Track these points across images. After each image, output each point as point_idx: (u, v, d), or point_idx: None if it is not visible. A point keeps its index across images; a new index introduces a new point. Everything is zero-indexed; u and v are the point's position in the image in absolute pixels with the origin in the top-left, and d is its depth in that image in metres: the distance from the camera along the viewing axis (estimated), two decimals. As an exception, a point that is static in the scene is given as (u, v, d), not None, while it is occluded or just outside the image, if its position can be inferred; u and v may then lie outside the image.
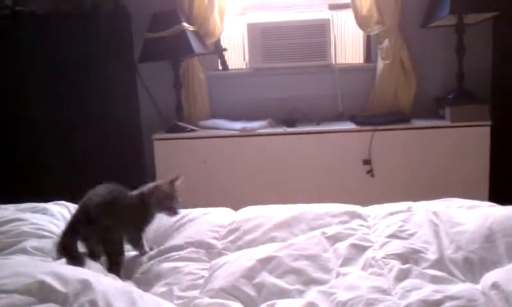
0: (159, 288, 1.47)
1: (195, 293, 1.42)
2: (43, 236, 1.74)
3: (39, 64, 3.20)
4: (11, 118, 3.23)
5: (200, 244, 1.69)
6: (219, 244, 1.71)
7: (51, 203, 2.02)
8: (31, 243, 1.67)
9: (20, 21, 3.22)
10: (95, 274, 1.33)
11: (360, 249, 1.51)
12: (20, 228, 1.74)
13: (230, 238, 1.74)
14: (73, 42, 3.21)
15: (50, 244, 1.66)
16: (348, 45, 3.59)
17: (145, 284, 1.51)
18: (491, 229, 1.47)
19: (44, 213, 1.93)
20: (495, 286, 1.21)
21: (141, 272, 1.59)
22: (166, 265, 1.58)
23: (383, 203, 1.92)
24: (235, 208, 2.04)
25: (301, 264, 1.47)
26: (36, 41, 3.20)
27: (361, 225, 1.71)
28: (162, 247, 1.70)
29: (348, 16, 3.44)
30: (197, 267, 1.57)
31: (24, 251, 1.64)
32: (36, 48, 3.20)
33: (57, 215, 1.93)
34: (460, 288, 1.25)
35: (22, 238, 1.69)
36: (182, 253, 1.65)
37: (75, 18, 3.23)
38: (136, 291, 1.29)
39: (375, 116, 3.31)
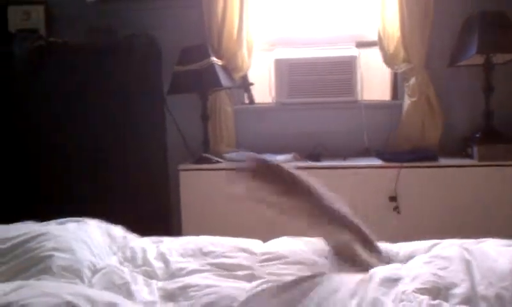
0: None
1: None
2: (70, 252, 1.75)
3: (70, 94, 3.27)
4: (42, 144, 3.30)
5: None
6: (254, 272, 1.73)
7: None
8: (57, 262, 1.67)
9: (53, 52, 3.31)
10: (121, 297, 1.34)
11: (390, 282, 1.49)
12: (46, 245, 1.75)
13: (264, 267, 1.76)
14: (104, 73, 3.29)
15: (77, 263, 1.67)
16: (375, 81, 3.61)
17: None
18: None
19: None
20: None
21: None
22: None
23: (409, 240, 1.91)
24: (263, 240, 2.05)
25: (336, 298, 1.46)
26: (68, 72, 3.27)
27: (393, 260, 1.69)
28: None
29: (375, 53, 3.47)
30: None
31: (50, 271, 1.64)
32: (67, 78, 3.27)
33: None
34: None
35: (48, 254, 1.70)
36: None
37: (107, 50, 3.32)
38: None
39: (402, 153, 3.29)
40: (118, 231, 2.01)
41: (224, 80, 3.29)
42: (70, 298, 1.23)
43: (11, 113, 3.31)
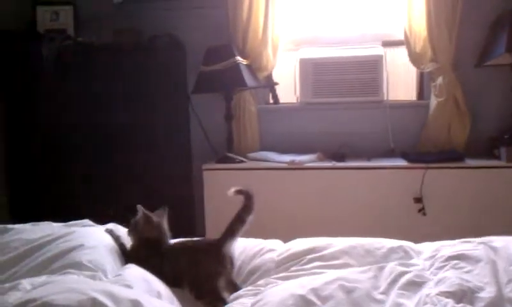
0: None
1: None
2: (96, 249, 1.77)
3: (96, 94, 3.32)
4: (68, 143, 3.36)
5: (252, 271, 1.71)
6: (271, 272, 1.72)
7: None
8: (83, 256, 1.69)
9: (80, 52, 3.36)
10: (146, 295, 1.35)
11: (415, 285, 1.47)
12: (72, 242, 1.78)
13: (282, 267, 1.75)
14: (130, 73, 3.33)
15: (102, 257, 1.69)
16: (401, 81, 3.57)
17: None
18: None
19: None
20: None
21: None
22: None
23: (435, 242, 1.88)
24: (283, 240, 2.03)
25: (355, 297, 1.44)
26: (95, 72, 3.33)
27: (416, 262, 1.67)
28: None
29: (401, 52, 3.43)
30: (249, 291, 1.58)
31: (76, 265, 1.66)
32: (94, 78, 3.32)
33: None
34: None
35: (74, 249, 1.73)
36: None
37: (133, 50, 3.35)
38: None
39: (427, 154, 3.25)
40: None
41: (249, 80, 3.29)
42: (94, 294, 1.24)
43: (38, 112, 3.37)
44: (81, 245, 1.77)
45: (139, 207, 1.82)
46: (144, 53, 3.36)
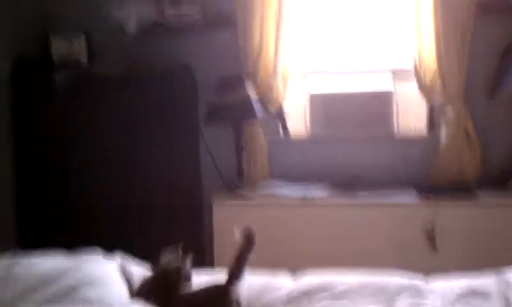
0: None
1: None
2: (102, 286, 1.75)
3: (108, 124, 3.35)
4: (76, 173, 3.38)
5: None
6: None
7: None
8: (89, 293, 1.68)
9: (93, 82, 3.39)
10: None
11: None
12: (77, 277, 1.76)
13: (293, 302, 1.73)
14: (140, 103, 3.35)
15: (110, 292, 1.68)
16: (411, 113, 3.55)
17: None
18: None
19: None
20: None
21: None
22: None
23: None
24: (292, 275, 2.02)
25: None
26: (107, 102, 3.35)
27: (428, 300, 1.64)
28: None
29: (411, 86, 3.42)
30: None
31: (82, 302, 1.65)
32: (106, 108, 3.35)
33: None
34: None
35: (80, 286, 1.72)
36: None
37: (143, 80, 3.37)
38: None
39: (439, 188, 3.22)
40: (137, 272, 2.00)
41: (259, 112, 3.31)
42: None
43: (50, 142, 3.39)
44: (90, 281, 1.77)
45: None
46: (156, 84, 3.37)
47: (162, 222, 3.26)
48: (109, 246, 2.17)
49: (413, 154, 3.43)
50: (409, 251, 3.04)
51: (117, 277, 1.90)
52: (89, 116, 3.36)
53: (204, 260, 3.38)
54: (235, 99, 3.26)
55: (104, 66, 3.46)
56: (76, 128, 3.37)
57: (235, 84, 3.34)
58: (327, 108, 3.40)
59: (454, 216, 3.03)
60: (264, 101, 3.44)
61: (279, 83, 3.46)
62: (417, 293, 1.73)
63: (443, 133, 3.35)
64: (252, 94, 3.32)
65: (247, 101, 3.27)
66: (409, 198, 3.15)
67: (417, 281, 1.85)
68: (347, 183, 3.31)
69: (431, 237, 3.01)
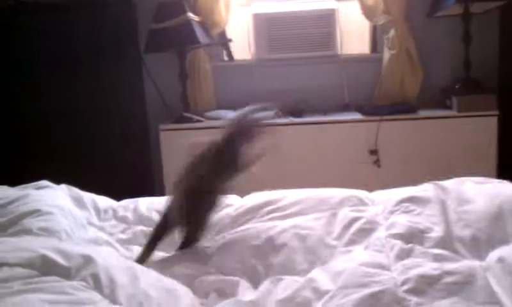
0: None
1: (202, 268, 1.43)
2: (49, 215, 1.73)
3: (43, 56, 3.21)
4: (14, 111, 3.25)
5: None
6: (228, 228, 1.74)
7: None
8: (35, 224, 1.66)
9: (24, 12, 3.23)
10: (96, 249, 1.34)
11: (366, 230, 1.51)
12: (25, 207, 1.74)
13: (239, 221, 1.77)
14: (78, 33, 3.23)
15: (55, 224, 1.66)
16: (354, 35, 3.57)
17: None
18: (501, 207, 1.45)
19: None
20: (500, 260, 1.20)
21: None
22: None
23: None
24: (241, 196, 2.04)
25: (308, 244, 1.47)
26: (40, 33, 3.20)
27: (369, 208, 1.70)
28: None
29: (354, 6, 3.43)
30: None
31: (30, 232, 1.63)
32: (40, 39, 3.20)
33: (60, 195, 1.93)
34: (460, 264, 1.24)
35: (25, 217, 1.69)
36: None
37: (80, 9, 3.24)
38: (138, 267, 1.29)
39: (381, 107, 3.29)
40: (87, 198, 1.98)
41: (202, 37, 3.23)
42: (44, 251, 1.22)
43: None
44: (36, 211, 1.74)
45: None
46: (92, 11, 3.23)
47: (109, 153, 3.21)
48: (58, 180, 2.12)
49: (357, 74, 3.47)
50: (353, 167, 3.12)
51: (64, 204, 1.87)
52: (27, 46, 3.21)
53: (154, 188, 3.39)
54: (176, 24, 3.18)
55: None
56: (15, 61, 3.22)
57: (176, 9, 3.24)
58: (270, 29, 3.37)
59: (395, 133, 3.11)
60: (206, 25, 3.37)
61: (221, 7, 3.39)
62: (359, 202, 1.78)
63: (386, 53, 3.40)
64: (193, 18, 3.24)
65: (188, 26, 3.19)
66: (353, 117, 3.21)
67: (359, 193, 1.90)
68: (295, 108, 3.32)
69: (374, 154, 3.10)
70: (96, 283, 1.17)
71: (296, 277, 1.35)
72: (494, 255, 1.26)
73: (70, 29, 3.22)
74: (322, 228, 1.54)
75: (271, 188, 2.08)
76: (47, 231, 1.65)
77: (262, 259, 1.46)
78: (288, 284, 1.30)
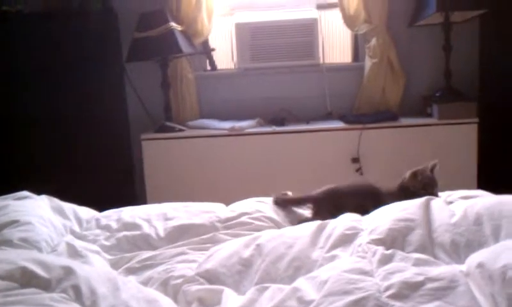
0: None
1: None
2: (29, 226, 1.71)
3: (25, 65, 3.19)
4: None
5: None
6: (215, 233, 1.74)
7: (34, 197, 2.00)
8: (15, 234, 1.63)
9: (6, 21, 3.20)
10: (76, 261, 1.32)
11: (350, 237, 1.50)
12: (5, 218, 1.71)
13: (227, 229, 1.77)
14: (60, 42, 3.21)
15: (34, 234, 1.64)
16: (336, 44, 3.61)
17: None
18: (479, 213, 1.46)
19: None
20: (479, 265, 1.20)
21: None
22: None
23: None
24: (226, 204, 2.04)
25: (293, 252, 1.47)
26: (23, 41, 3.18)
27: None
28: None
29: (335, 15, 3.46)
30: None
31: (10, 243, 1.61)
32: (22, 48, 3.19)
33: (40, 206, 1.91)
34: (442, 269, 1.25)
35: (4, 228, 1.67)
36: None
37: (62, 17, 3.22)
38: (119, 278, 1.27)
39: (363, 115, 3.32)
40: (69, 209, 1.96)
41: (184, 46, 3.23)
42: (23, 263, 1.20)
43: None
44: (15, 221, 1.71)
45: None
46: (74, 20, 3.22)
47: (91, 161, 3.19)
48: (38, 187, 2.10)
49: (339, 83, 3.50)
50: (336, 175, 3.12)
51: (44, 214, 1.85)
52: (8, 55, 3.18)
53: (136, 197, 3.37)
54: (158, 33, 3.17)
55: (18, 3, 3.27)
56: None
57: (158, 18, 3.24)
58: (253, 39, 3.39)
59: (378, 141, 3.13)
60: (189, 35, 3.37)
61: (203, 16, 3.39)
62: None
63: (367, 62, 3.42)
64: (176, 28, 3.23)
65: (171, 35, 3.18)
66: (335, 125, 3.22)
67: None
68: (277, 117, 3.33)
69: (356, 162, 3.11)
70: (77, 295, 1.15)
71: (281, 285, 1.34)
72: (474, 260, 1.26)
73: (52, 38, 3.21)
74: (309, 237, 1.54)
75: (256, 196, 2.08)
76: (27, 242, 1.62)
77: (248, 266, 1.45)
78: (273, 293, 1.30)
